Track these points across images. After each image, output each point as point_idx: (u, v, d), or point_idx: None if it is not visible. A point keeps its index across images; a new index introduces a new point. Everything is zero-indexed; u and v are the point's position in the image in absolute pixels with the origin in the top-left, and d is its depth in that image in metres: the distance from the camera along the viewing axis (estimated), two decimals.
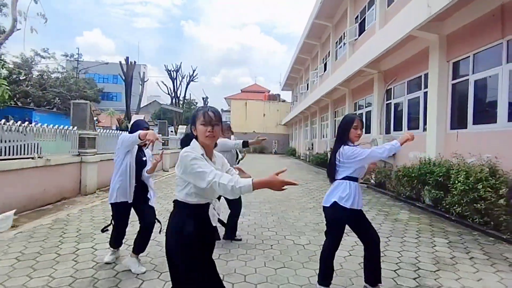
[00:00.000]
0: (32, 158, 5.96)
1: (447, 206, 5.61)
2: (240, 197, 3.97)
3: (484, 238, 4.52)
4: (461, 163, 5.64)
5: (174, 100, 27.51)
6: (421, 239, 4.45)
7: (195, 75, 29.10)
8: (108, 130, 9.18)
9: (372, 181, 9.65)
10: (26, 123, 6.19)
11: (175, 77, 27.42)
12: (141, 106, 19.04)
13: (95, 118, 8.53)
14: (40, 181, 6.15)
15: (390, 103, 10.00)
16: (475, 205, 4.86)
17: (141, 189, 3.23)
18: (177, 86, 27.76)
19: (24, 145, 5.98)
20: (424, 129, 7.69)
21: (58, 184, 6.73)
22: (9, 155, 5.55)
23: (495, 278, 3.15)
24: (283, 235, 4.54)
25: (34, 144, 6.14)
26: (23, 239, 4.06)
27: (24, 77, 24.06)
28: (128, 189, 3.10)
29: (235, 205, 4.13)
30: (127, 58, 15.98)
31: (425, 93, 7.71)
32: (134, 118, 11.61)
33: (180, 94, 28.33)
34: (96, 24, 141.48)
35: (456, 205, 5.27)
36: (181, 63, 30.90)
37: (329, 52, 18.01)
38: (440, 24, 6.80)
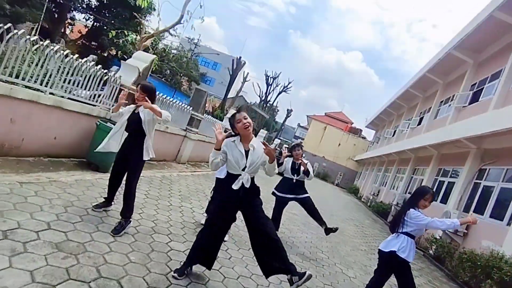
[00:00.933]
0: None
1: None
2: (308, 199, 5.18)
3: None
4: None
5: (262, 104, 29.37)
6: None
7: (289, 87, 30.58)
8: (210, 117, 10.79)
9: (431, 251, 9.36)
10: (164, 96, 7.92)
11: (271, 83, 29.27)
12: (228, 97, 21.07)
13: (207, 105, 10.12)
14: (157, 142, 7.81)
15: (479, 183, 9.53)
16: None
17: None
18: (270, 92, 29.58)
19: None
20: (509, 223, 7.32)
21: (165, 148, 8.37)
22: None
23: None
24: (333, 262, 5.14)
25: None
26: (145, 182, 5.47)
27: (151, 48, 28.55)
28: None
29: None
30: (239, 57, 18.02)
31: None
32: (231, 112, 13.17)
33: (269, 100, 30.11)
34: (214, 12, 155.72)
35: None
36: (280, 72, 32.65)
37: (429, 108, 17.37)
38: None
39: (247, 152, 2.64)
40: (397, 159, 19.82)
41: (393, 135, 23.82)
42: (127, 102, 3.50)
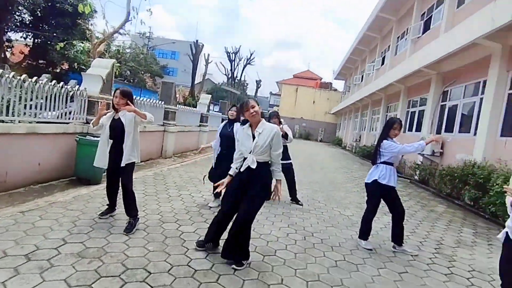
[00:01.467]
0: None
1: (483, 206, 6.20)
2: (289, 167, 5.44)
3: None
4: (504, 168, 6.13)
5: (230, 81, 29.13)
6: (450, 227, 5.22)
7: (252, 58, 30.36)
8: (184, 107, 10.81)
9: (416, 177, 10.16)
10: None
11: (233, 59, 28.92)
12: (195, 83, 20.82)
13: (177, 95, 10.12)
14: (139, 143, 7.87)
15: (445, 104, 10.22)
16: None
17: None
18: (234, 68, 29.28)
19: None
20: (475, 134, 8.03)
21: (148, 147, 8.45)
22: None
23: None
24: (331, 207, 5.61)
25: None
26: (139, 182, 5.64)
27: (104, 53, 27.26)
28: None
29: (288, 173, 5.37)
30: (196, 41, 17.61)
31: (481, 99, 7.99)
32: (203, 97, 13.15)
33: (236, 76, 29.86)
34: (159, 1, 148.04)
35: (491, 205, 5.85)
36: (240, 46, 32.20)
37: (389, 46, 17.89)
38: (505, 34, 7.02)
39: (254, 136, 2.87)
40: (370, 102, 20.55)
41: (361, 80, 24.46)
42: (107, 112, 3.52)
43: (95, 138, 5.27)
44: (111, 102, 3.59)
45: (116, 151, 3.43)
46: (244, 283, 2.57)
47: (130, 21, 8.26)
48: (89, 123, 5.68)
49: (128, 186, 3.45)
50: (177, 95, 10.69)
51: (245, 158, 2.89)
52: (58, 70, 19.53)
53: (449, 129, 9.72)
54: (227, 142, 4.33)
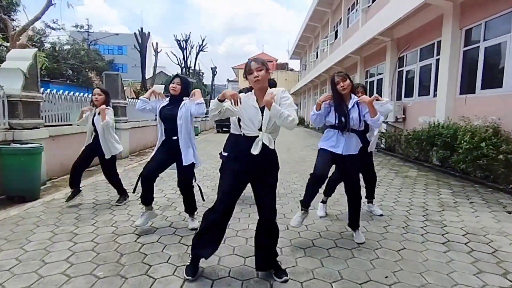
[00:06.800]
0: (75, 125, 6.66)
1: (453, 164, 6.24)
2: None
3: (484, 189, 5.18)
4: (468, 125, 6.17)
5: (184, 71, 27.70)
6: (428, 190, 5.12)
7: (205, 45, 29.00)
8: (135, 100, 9.79)
9: (382, 145, 10.25)
10: (66, 92, 6.84)
11: (184, 47, 27.41)
12: (147, 77, 19.44)
13: (129, 90, 9.10)
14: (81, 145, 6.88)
15: (402, 70, 10.31)
16: (478, 161, 5.46)
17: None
18: (187, 56, 27.83)
19: (68, 113, 6.72)
20: (435, 95, 8.13)
21: (147, 136, 7.44)
22: (59, 121, 6.29)
23: (490, 216, 3.83)
24: None
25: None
26: (90, 189, 4.83)
27: (37, 50, 24.34)
28: None
29: None
30: (141, 29, 16.13)
31: (437, 60, 8.05)
32: (155, 87, 12.11)
33: (190, 65, 28.45)
34: None
35: (461, 163, 5.88)
36: (190, 33, 30.54)
37: (340, 19, 17.87)
38: None
39: (262, 109, 2.14)
40: (327, 77, 20.62)
41: (317, 57, 24.49)
42: (91, 108, 4.14)
43: (23, 146, 4.35)
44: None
45: (96, 144, 4.04)
46: None
47: (54, 4, 7.05)
48: (14, 129, 4.72)
49: (112, 177, 4.22)
50: (126, 89, 9.63)
51: (248, 137, 2.15)
52: None
53: (409, 94, 9.83)
54: (170, 125, 3.13)
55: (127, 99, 9.58)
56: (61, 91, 6.24)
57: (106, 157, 4.02)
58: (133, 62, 38.02)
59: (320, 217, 3.72)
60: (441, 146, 6.64)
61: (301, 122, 30.27)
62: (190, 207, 3.33)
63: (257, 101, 2.18)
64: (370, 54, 12.94)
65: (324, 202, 3.88)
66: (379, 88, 12.28)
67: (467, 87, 7.05)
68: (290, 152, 9.99)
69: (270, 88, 2.23)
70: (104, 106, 3.94)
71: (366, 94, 3.50)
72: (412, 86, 9.60)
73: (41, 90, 5.54)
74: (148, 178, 3.10)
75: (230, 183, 2.22)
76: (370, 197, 3.90)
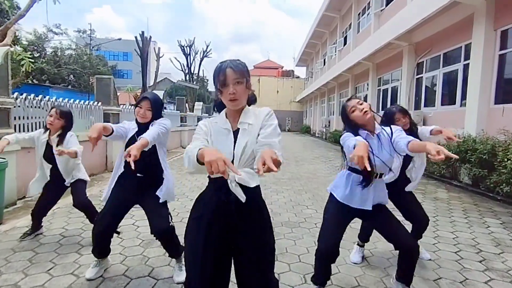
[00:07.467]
0: None
1: (492, 186, 5.34)
2: None
3: None
4: (510, 140, 5.30)
5: (187, 77, 27.12)
6: (470, 219, 4.23)
7: (209, 51, 28.42)
8: (130, 107, 9.06)
9: None
10: (48, 97, 6.10)
11: (188, 52, 26.86)
12: (151, 84, 18.83)
13: (118, 94, 8.37)
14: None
15: (421, 77, 9.47)
16: None
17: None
18: (191, 62, 27.27)
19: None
20: (462, 104, 7.27)
21: (88, 161, 6.69)
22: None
23: None
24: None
25: None
26: (61, 215, 4.04)
27: (38, 54, 23.99)
28: None
29: None
30: (142, 32, 15.52)
31: (465, 66, 7.22)
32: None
33: (193, 70, 27.88)
34: (106, 1, 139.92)
35: (504, 184, 4.99)
36: (194, 38, 30.11)
37: (350, 25, 17.16)
38: None
39: (236, 133, 1.44)
40: (336, 85, 19.86)
41: (324, 64, 23.79)
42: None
43: None
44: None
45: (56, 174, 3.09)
46: None
47: (37, 1, 6.39)
48: None
49: (85, 202, 3.13)
50: (123, 95, 8.89)
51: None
52: None
53: (430, 103, 8.98)
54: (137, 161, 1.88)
55: (126, 104, 8.85)
56: (40, 96, 5.49)
57: (67, 182, 3.09)
58: (138, 68, 37.44)
59: (354, 263, 2.84)
60: (475, 163, 5.76)
61: (307, 131, 29.52)
62: (173, 250, 2.48)
63: (230, 123, 1.47)
64: (384, 60, 12.13)
65: (360, 245, 2.95)
66: (393, 96, 11.44)
67: (504, 96, 6.19)
68: (299, 165, 9.14)
69: (249, 105, 1.52)
70: (65, 151, 2.74)
71: (404, 116, 2.60)
72: (434, 94, 8.75)
73: (14, 94, 4.79)
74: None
75: (196, 252, 1.43)
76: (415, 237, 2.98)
